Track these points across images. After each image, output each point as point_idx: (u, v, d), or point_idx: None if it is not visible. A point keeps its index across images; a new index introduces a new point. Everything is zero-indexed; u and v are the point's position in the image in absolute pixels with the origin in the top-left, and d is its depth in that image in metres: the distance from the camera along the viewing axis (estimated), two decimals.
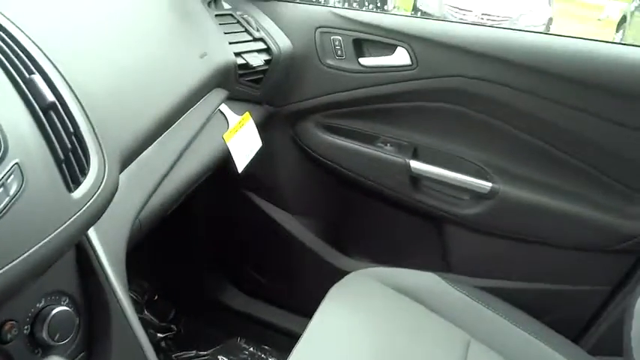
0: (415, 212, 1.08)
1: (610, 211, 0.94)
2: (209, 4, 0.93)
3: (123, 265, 0.53)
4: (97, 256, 0.49)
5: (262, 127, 0.98)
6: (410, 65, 0.97)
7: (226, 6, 0.97)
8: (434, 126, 1.03)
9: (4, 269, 0.35)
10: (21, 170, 0.37)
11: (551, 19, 6.08)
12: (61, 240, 0.39)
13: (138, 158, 0.60)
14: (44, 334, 0.44)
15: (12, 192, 0.36)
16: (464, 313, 0.89)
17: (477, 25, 1.70)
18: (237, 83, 0.89)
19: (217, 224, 1.22)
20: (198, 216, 1.18)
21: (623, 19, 6.96)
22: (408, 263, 0.98)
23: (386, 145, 1.05)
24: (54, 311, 0.45)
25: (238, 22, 0.95)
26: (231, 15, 0.95)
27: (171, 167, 0.68)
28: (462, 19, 5.88)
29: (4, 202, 0.36)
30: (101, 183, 0.44)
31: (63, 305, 0.46)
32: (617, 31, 7.07)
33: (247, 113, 0.93)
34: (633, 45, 0.96)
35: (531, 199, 0.96)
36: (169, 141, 0.68)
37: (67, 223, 0.40)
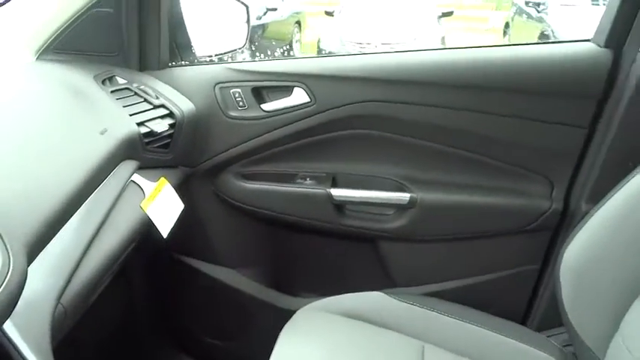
0: (347, 237, 1.11)
1: (518, 195, 1.02)
2: (103, 82, 0.95)
3: (49, 355, 0.51)
4: (19, 351, 0.48)
5: (182, 189, 0.99)
6: (309, 102, 1.02)
7: (121, 81, 0.99)
8: (346, 153, 1.08)
9: None
10: None
11: (443, 38, 6.55)
12: None
13: (50, 242, 0.59)
14: None
15: None
16: (414, 321, 0.92)
17: (363, 54, 1.82)
18: (146, 151, 0.90)
19: (155, 291, 1.19)
20: (135, 286, 1.15)
21: (507, 26, 7.69)
22: (355, 288, 1.00)
23: (305, 180, 1.09)
24: None
25: (136, 93, 0.96)
26: (127, 89, 0.96)
27: (88, 246, 0.67)
28: (363, 51, 6.26)
29: None
30: (5, 277, 0.43)
31: None
32: (503, 36, 7.79)
33: (162, 178, 0.93)
34: (508, 45, 1.08)
35: (448, 200, 1.03)
36: (82, 220, 0.68)
37: None
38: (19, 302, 0.45)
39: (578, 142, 0.97)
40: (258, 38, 6.63)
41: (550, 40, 4.58)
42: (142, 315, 1.19)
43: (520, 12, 6.99)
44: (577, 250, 0.77)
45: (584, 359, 0.76)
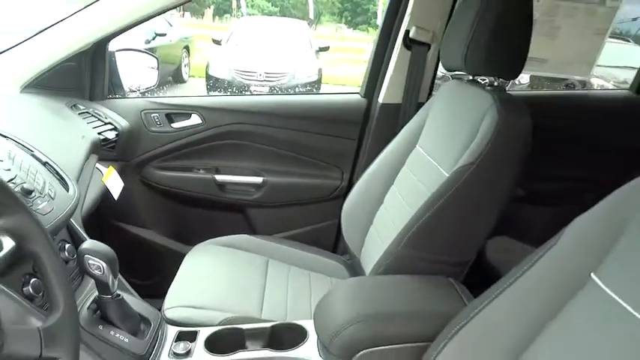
0: (226, 206, 1.80)
1: (324, 178, 1.79)
2: (71, 108, 1.54)
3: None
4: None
5: (122, 174, 1.60)
6: (201, 123, 1.72)
7: (82, 107, 1.58)
8: (224, 153, 1.78)
9: None
10: None
11: (320, 69, 7.34)
12: None
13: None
14: None
15: None
16: (264, 248, 1.60)
17: (234, 95, 2.53)
18: (102, 150, 1.51)
19: None
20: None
21: None
22: (231, 232, 1.67)
23: (199, 170, 1.77)
24: None
25: (92, 115, 1.57)
26: (86, 112, 1.56)
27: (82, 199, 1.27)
28: (248, 79, 6.89)
29: None
30: (71, 201, 1.06)
31: None
32: None
33: (111, 167, 1.54)
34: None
35: (283, 181, 1.78)
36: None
37: None
38: None
39: (353, 147, 1.77)
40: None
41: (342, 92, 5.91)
42: None
43: None
44: (348, 201, 1.52)
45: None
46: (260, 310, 1.26)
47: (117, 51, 1.73)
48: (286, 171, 1.79)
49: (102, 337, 0.96)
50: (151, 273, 1.76)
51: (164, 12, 1.52)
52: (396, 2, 1.60)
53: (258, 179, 1.78)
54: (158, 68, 1.86)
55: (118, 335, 0.98)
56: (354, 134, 1.75)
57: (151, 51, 6.83)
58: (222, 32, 7.99)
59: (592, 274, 0.69)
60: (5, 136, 1.05)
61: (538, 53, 1.69)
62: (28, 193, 0.89)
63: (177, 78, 8.32)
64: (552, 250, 0.75)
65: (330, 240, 1.85)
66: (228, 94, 5.57)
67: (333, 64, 9.31)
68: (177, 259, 1.48)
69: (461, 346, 0.81)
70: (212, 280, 1.35)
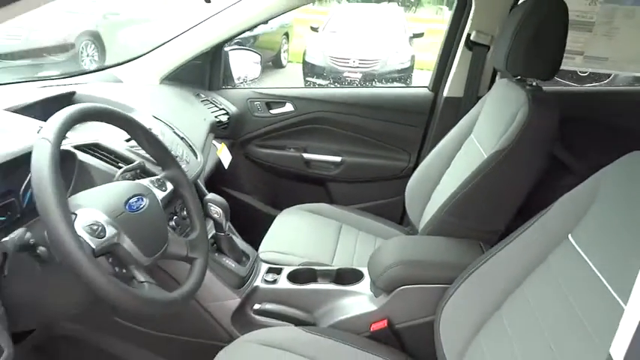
0: (310, 179, 2.18)
1: (392, 160, 2.10)
2: (195, 96, 1.99)
3: None
4: None
5: (230, 150, 2.03)
6: (294, 110, 2.10)
7: (203, 96, 2.02)
8: (311, 136, 2.15)
9: None
10: None
11: (413, 56, 7.46)
12: None
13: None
14: None
15: None
16: (339, 215, 1.93)
17: (320, 87, 2.88)
18: (217, 130, 1.94)
19: None
20: None
21: None
22: (314, 201, 2.02)
23: (290, 149, 2.16)
24: None
25: (210, 102, 2.00)
26: (207, 99, 2.01)
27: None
28: (342, 66, 7.20)
29: None
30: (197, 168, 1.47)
31: None
32: None
33: (223, 143, 1.98)
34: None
35: (358, 160, 2.11)
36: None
37: None
38: None
39: (420, 134, 2.05)
40: (250, 46, 7.53)
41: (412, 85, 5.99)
42: None
43: None
44: (411, 180, 1.80)
45: None
46: (331, 260, 1.61)
47: (230, 50, 2.15)
48: (361, 152, 2.12)
49: (217, 261, 1.37)
50: (248, 229, 2.19)
51: (270, 19, 1.90)
52: (460, 9, 1.84)
53: (338, 158, 2.13)
54: (261, 63, 2.27)
55: (227, 261, 1.39)
56: (422, 123, 2.03)
57: (253, 38, 7.47)
58: (322, 16, 8.24)
59: (569, 235, 0.94)
60: (156, 118, 1.49)
61: (598, 52, 1.84)
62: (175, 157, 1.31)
63: (276, 63, 8.86)
64: (544, 216, 1.01)
65: (396, 214, 2.15)
66: (317, 86, 5.97)
67: (429, 48, 9.31)
68: (269, 219, 1.86)
69: (469, 287, 1.10)
70: (295, 235, 1.73)
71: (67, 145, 1.06)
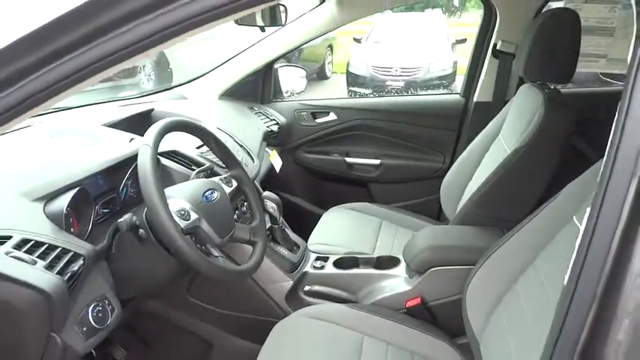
0: (353, 181, 2.39)
1: (428, 161, 2.27)
2: (250, 109, 2.25)
3: None
4: None
5: (281, 156, 2.27)
6: (336, 119, 2.32)
7: (256, 108, 2.28)
8: (353, 142, 2.36)
9: None
10: None
11: (455, 62, 7.48)
12: None
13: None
14: None
15: None
16: (379, 213, 2.13)
17: (361, 97, 3.11)
18: (269, 138, 2.19)
19: None
20: None
21: None
22: (357, 200, 2.23)
23: (334, 154, 2.38)
24: None
25: (263, 114, 2.26)
26: (260, 112, 2.26)
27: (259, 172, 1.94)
28: (385, 75, 7.34)
29: None
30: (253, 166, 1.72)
31: None
32: None
33: (274, 150, 2.22)
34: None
35: (396, 162, 2.30)
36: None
37: None
38: None
39: (453, 137, 2.22)
40: (296, 60, 7.66)
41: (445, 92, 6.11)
42: None
43: None
44: (445, 179, 1.97)
45: None
46: (372, 251, 1.81)
47: (279, 67, 2.41)
48: (399, 155, 2.31)
49: (272, 249, 1.60)
50: (298, 226, 2.41)
51: (315, 38, 2.14)
52: (487, 20, 2.02)
53: (377, 161, 2.33)
54: (306, 77, 2.51)
55: (281, 249, 1.62)
56: (455, 126, 2.20)
57: (298, 52, 7.72)
58: (365, 26, 8.35)
59: (574, 217, 1.10)
60: (219, 129, 1.76)
61: (620, 55, 1.95)
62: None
63: (321, 75, 9.12)
64: (553, 202, 1.17)
65: (433, 211, 2.32)
66: (358, 95, 6.21)
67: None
68: (316, 218, 2.08)
69: (490, 267, 1.27)
70: (340, 230, 1.94)
71: None
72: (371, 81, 7.30)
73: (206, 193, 1.18)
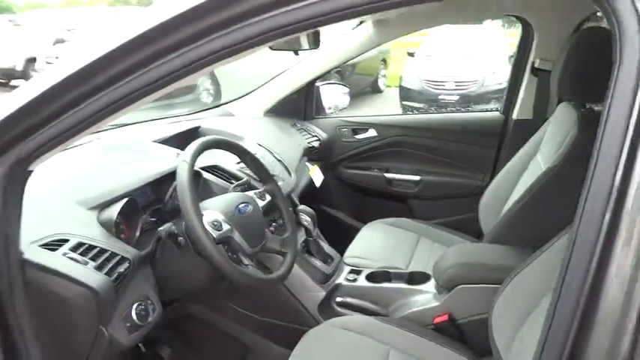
0: (392, 196, 2.43)
1: (468, 178, 2.28)
2: (292, 125, 2.35)
3: None
4: None
5: (322, 171, 2.35)
6: (377, 135, 2.38)
7: (299, 125, 2.38)
8: (392, 158, 2.41)
9: None
10: None
11: None
12: None
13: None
14: None
15: None
16: (418, 229, 2.16)
17: (399, 115, 3.13)
18: (310, 154, 2.28)
19: None
20: None
21: None
22: (394, 215, 2.26)
23: (374, 169, 2.44)
24: None
25: (305, 130, 2.35)
26: (302, 128, 2.36)
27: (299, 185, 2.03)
28: (437, 89, 7.28)
29: None
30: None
31: None
32: None
33: (315, 165, 2.30)
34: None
35: (436, 179, 2.32)
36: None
37: None
38: None
39: (493, 154, 2.21)
40: (349, 75, 7.67)
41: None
42: None
43: None
44: (484, 197, 1.97)
45: None
46: (406, 266, 1.84)
47: (321, 85, 2.50)
48: (438, 172, 2.33)
49: (306, 260, 1.68)
50: (337, 239, 2.47)
51: (355, 57, 2.22)
52: (525, 39, 2.01)
53: (417, 177, 2.36)
54: (348, 94, 2.59)
55: (315, 261, 1.69)
56: (494, 144, 2.20)
57: (352, 66, 7.80)
58: (421, 38, 8.35)
59: None
60: (260, 145, 1.86)
61: None
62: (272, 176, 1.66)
63: (374, 88, 9.21)
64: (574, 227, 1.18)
65: (474, 229, 2.31)
66: (412, 110, 6.28)
67: None
68: (355, 231, 2.13)
69: (515, 287, 1.28)
70: (377, 244, 1.99)
71: (196, 167, 1.45)
72: (423, 95, 7.25)
73: (239, 206, 1.28)
